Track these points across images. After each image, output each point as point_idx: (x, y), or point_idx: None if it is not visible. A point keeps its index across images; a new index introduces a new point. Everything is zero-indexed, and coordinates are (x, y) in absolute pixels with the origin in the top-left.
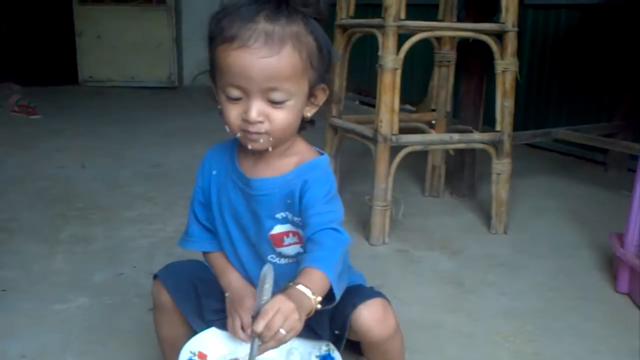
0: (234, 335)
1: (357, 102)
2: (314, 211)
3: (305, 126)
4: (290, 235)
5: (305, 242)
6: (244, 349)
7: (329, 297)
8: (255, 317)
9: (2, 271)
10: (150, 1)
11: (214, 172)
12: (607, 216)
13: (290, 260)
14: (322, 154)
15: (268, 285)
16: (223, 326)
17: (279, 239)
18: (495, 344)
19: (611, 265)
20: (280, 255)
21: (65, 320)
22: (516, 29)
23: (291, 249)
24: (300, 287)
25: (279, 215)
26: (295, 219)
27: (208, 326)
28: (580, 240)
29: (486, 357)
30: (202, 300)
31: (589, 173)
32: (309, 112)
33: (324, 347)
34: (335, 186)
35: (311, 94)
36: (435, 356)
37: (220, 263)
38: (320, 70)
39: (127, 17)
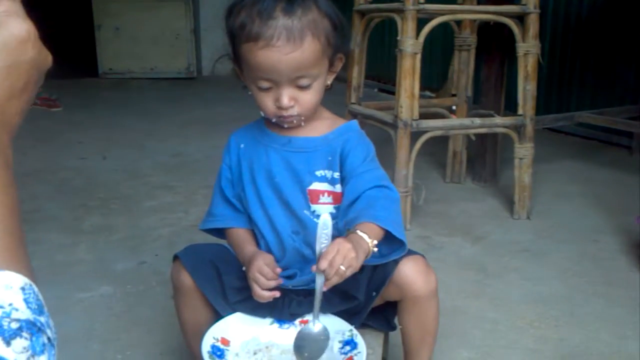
0: (260, 299)
1: (375, 90)
2: (363, 169)
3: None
4: (326, 194)
5: (356, 199)
6: (267, 334)
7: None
8: (317, 259)
9: None
10: None
11: (242, 146)
12: (633, 200)
13: None
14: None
15: (327, 231)
16: (246, 308)
17: (315, 195)
18: (519, 330)
19: (637, 250)
20: (313, 213)
21: (89, 308)
22: (538, 10)
23: (324, 208)
24: (358, 232)
25: (318, 173)
26: (335, 174)
27: (232, 311)
28: (605, 225)
29: (511, 342)
30: (223, 278)
31: (614, 157)
32: (329, 81)
33: (347, 333)
34: (374, 149)
35: (330, 65)
36: (459, 342)
37: (241, 238)
38: (337, 45)
39: (145, 8)
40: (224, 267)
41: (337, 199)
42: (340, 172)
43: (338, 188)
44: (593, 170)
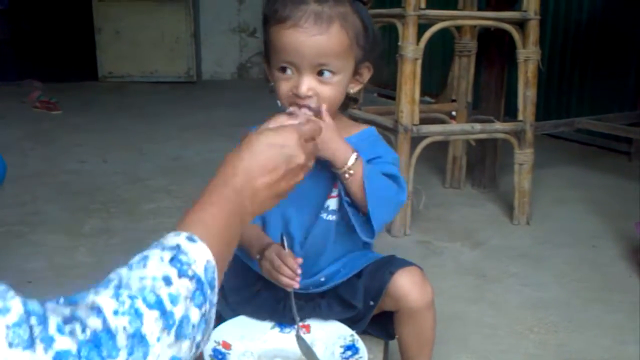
0: (280, 274)
1: (374, 94)
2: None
3: (349, 104)
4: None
5: None
6: (268, 338)
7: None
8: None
9: (27, 263)
10: None
11: None
12: (632, 206)
13: (334, 217)
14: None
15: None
16: (246, 310)
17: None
18: (519, 335)
19: (636, 256)
20: (327, 209)
21: None
22: (538, 16)
23: (334, 202)
24: (354, 153)
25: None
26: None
27: (232, 312)
28: (604, 231)
29: (510, 348)
30: None
31: (613, 163)
32: (353, 89)
33: (348, 338)
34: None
35: (356, 72)
36: (458, 347)
37: (259, 231)
38: (365, 49)
39: (146, 12)
40: None
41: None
42: None
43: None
44: (592, 176)
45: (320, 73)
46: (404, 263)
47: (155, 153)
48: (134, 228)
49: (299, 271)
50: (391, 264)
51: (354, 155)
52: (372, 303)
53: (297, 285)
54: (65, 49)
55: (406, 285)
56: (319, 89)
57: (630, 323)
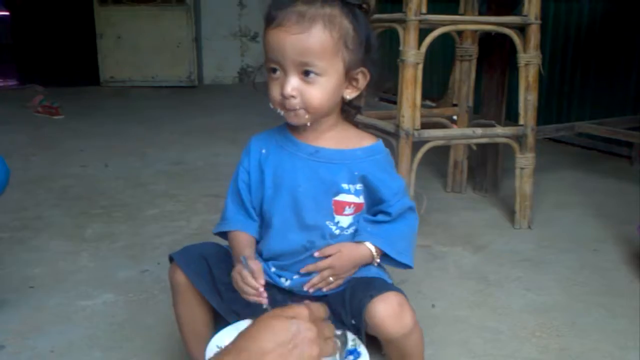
0: (245, 294)
1: (376, 99)
2: (397, 198)
3: (352, 112)
4: (352, 206)
5: (381, 215)
6: None
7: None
8: None
9: (29, 268)
10: (170, 1)
11: (263, 151)
12: (633, 210)
13: (344, 233)
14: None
15: None
16: (241, 305)
17: (341, 207)
18: (521, 339)
19: (638, 260)
20: (337, 224)
21: (91, 316)
22: (539, 21)
23: (347, 220)
24: (367, 244)
25: (344, 185)
26: (359, 186)
27: (226, 307)
28: (606, 235)
29: (512, 352)
30: (214, 272)
31: (614, 167)
32: (349, 95)
33: (350, 342)
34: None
35: (351, 77)
36: (460, 351)
37: (244, 242)
38: (358, 53)
39: (147, 17)
40: (214, 261)
41: (358, 208)
42: (370, 193)
43: (361, 199)
44: (593, 180)
45: (305, 74)
46: (383, 288)
47: (157, 157)
48: (136, 233)
49: (262, 289)
50: (372, 286)
51: (374, 255)
52: (353, 322)
53: (264, 301)
54: (67, 54)
55: (380, 316)
56: (303, 90)
57: (633, 328)
